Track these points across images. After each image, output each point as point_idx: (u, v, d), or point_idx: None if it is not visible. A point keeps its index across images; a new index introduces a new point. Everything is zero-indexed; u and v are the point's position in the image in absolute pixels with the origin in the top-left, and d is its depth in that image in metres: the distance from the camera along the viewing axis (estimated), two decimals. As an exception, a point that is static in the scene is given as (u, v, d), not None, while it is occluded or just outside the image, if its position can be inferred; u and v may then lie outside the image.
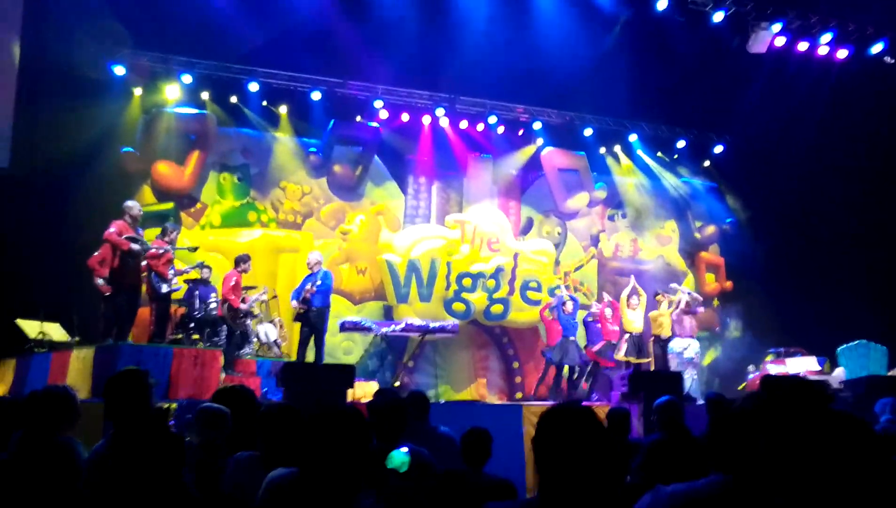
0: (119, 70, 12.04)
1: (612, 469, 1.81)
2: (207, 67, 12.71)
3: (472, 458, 3.89)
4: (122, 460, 2.20)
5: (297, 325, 10.37)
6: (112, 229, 8.49)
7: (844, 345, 11.59)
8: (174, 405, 4.23)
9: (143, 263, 8.84)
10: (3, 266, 10.11)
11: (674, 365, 11.25)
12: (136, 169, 12.27)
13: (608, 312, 11.82)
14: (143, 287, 9.05)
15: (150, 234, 9.37)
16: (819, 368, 11.44)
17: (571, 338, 11.67)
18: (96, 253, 8.87)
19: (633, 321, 11.57)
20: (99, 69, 11.75)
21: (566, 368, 11.63)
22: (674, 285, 12.50)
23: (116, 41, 11.65)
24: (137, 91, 12.35)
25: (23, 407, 3.57)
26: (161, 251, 9.02)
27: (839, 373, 10.87)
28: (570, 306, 11.83)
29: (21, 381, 8.86)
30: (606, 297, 12.31)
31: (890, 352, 11.38)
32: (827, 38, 12.69)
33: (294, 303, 9.96)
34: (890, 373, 10.85)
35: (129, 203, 8.97)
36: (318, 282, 9.93)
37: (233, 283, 9.77)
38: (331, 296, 10.36)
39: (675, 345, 11.65)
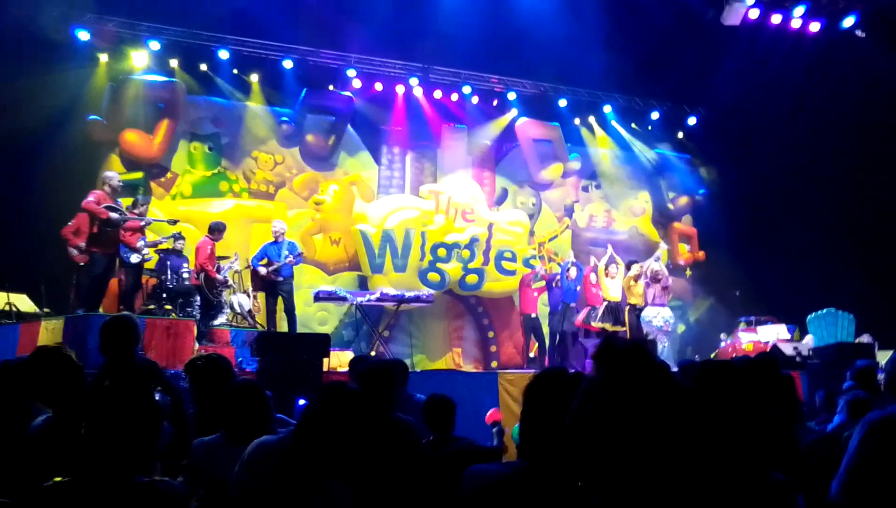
0: (83, 35, 11.71)
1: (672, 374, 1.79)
2: (176, 34, 12.41)
3: (435, 424, 3.92)
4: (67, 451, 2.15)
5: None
6: (91, 199, 8.46)
7: (813, 313, 11.82)
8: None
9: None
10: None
11: (647, 333, 11.38)
12: (104, 138, 11.99)
13: (593, 277, 11.94)
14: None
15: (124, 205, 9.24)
16: (789, 336, 11.66)
17: (572, 304, 11.81)
18: (70, 223, 8.73)
19: (611, 288, 11.68)
20: (62, 34, 11.40)
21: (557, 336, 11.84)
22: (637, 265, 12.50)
23: (80, 5, 11.32)
24: (103, 57, 12.04)
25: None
26: (142, 224, 9.00)
27: (808, 340, 11.09)
28: (573, 272, 11.95)
29: (-11, 353, 8.71)
30: (593, 261, 12.40)
31: (857, 320, 11.63)
32: (800, 11, 12.74)
33: (262, 269, 9.97)
34: (857, 340, 11.09)
35: (109, 173, 9.04)
36: (286, 251, 10.03)
37: (208, 251, 9.69)
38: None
39: (647, 313, 11.78)
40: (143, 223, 9.11)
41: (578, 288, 11.99)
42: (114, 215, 8.45)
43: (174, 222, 9.92)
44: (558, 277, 12.11)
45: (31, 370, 3.18)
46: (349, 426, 2.44)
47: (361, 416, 2.49)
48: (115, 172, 9.26)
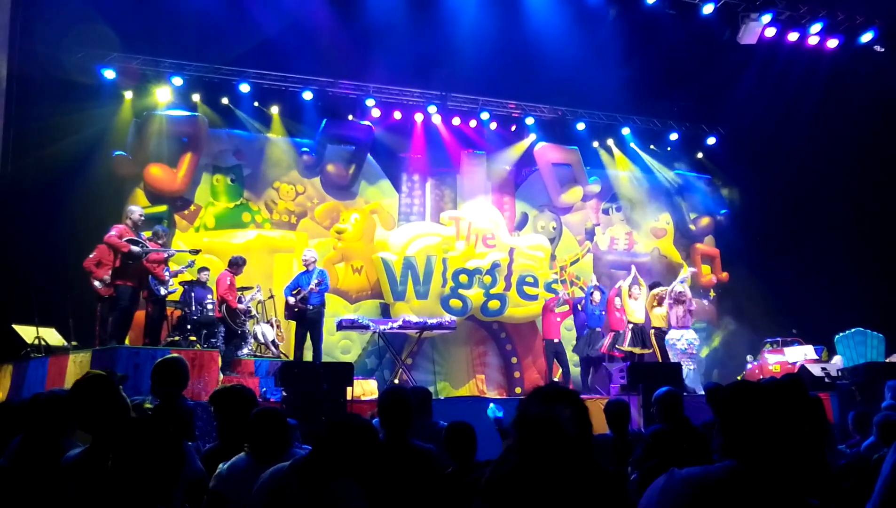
0: (109, 74, 11.99)
1: (587, 446, 1.82)
2: (198, 69, 12.66)
3: (456, 453, 3.90)
4: (108, 474, 2.18)
5: (293, 324, 10.42)
6: (112, 233, 8.57)
7: (841, 333, 11.63)
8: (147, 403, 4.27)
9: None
10: (-2, 272, 10.09)
11: (671, 357, 11.26)
12: (129, 172, 12.22)
13: (617, 301, 11.86)
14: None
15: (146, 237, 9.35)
16: (816, 356, 11.47)
17: (598, 329, 11.76)
18: (91, 255, 8.84)
19: (635, 311, 11.58)
20: (89, 73, 11.71)
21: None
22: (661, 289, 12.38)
23: (105, 45, 11.61)
24: (128, 94, 12.30)
25: (25, 411, 3.54)
26: (166, 255, 9.09)
27: (837, 361, 10.90)
28: (597, 296, 11.89)
29: (18, 386, 8.82)
30: (619, 284, 12.34)
31: (887, 339, 11.43)
32: (817, 28, 12.72)
33: (290, 299, 10.01)
34: (888, 360, 10.89)
35: (131, 207, 9.21)
36: (317, 280, 10.05)
37: (228, 283, 9.81)
38: (325, 294, 10.47)
39: (671, 336, 11.66)
40: (165, 255, 9.22)
41: (603, 313, 11.92)
42: (135, 248, 8.54)
43: (196, 252, 10.02)
44: (583, 301, 12.05)
45: (77, 397, 3.13)
46: (356, 459, 2.49)
47: (369, 448, 2.54)
48: (137, 206, 9.39)
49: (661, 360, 11.09)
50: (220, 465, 3.16)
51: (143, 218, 9.13)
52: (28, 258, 10.19)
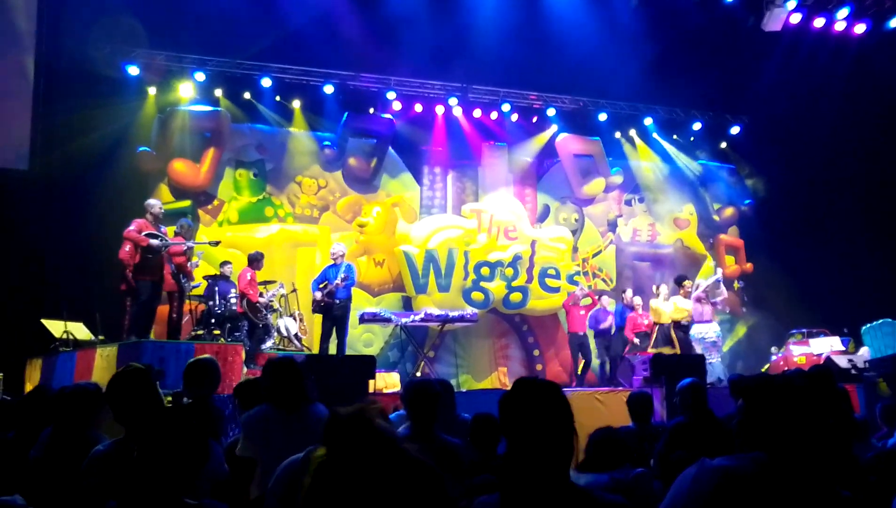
0: (133, 70, 12.11)
1: (569, 440, 1.83)
2: (220, 65, 12.75)
3: (481, 444, 3.93)
4: (141, 465, 2.22)
5: (318, 318, 10.44)
6: (132, 227, 8.55)
7: (869, 324, 11.46)
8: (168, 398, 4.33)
9: (169, 260, 8.92)
10: (27, 267, 10.26)
11: (698, 350, 11.15)
12: (153, 168, 12.35)
13: (637, 299, 11.83)
14: (166, 285, 9.13)
15: (169, 233, 9.40)
16: (843, 348, 11.32)
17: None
18: (126, 247, 8.78)
19: (664, 312, 11.51)
20: (113, 69, 11.85)
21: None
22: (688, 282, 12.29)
23: (130, 41, 11.74)
24: (152, 90, 12.42)
25: (52, 404, 3.60)
26: (185, 249, 9.11)
27: (864, 352, 10.75)
28: (629, 294, 11.91)
29: (47, 380, 8.95)
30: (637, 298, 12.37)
31: (915, 330, 11.26)
32: (844, 13, 12.51)
33: (318, 293, 10.01)
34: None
35: (151, 201, 9.09)
36: (343, 275, 10.02)
37: (248, 278, 9.87)
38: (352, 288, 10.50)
39: (696, 330, 11.56)
40: (185, 248, 9.22)
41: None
42: (154, 241, 8.52)
43: (216, 244, 10.02)
44: (606, 299, 12.04)
45: (115, 390, 3.18)
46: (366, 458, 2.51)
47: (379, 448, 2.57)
48: (156, 200, 9.27)
49: (680, 353, 11.00)
50: (242, 418, 3.43)
51: (163, 212, 9.07)
52: (55, 253, 10.32)
